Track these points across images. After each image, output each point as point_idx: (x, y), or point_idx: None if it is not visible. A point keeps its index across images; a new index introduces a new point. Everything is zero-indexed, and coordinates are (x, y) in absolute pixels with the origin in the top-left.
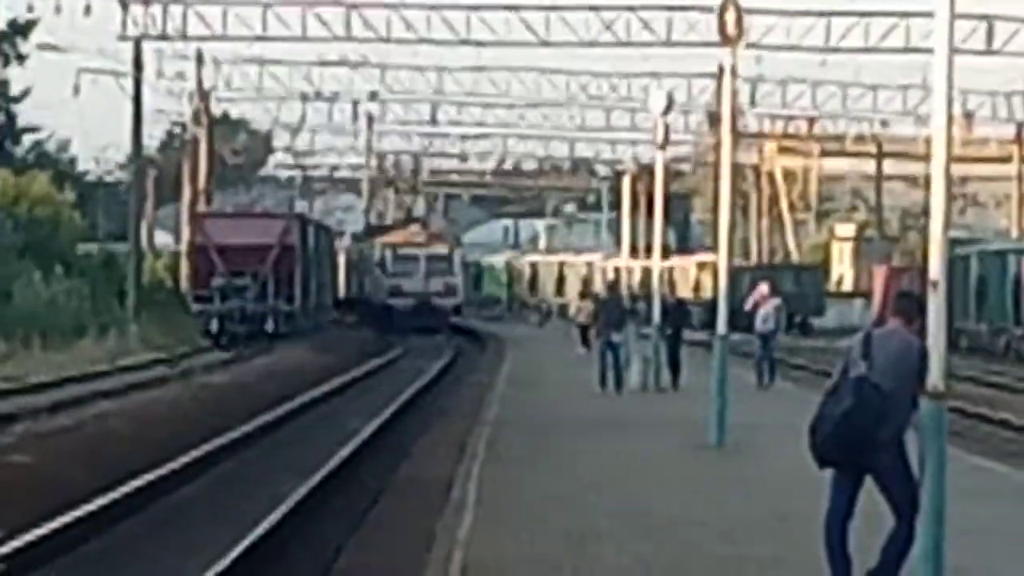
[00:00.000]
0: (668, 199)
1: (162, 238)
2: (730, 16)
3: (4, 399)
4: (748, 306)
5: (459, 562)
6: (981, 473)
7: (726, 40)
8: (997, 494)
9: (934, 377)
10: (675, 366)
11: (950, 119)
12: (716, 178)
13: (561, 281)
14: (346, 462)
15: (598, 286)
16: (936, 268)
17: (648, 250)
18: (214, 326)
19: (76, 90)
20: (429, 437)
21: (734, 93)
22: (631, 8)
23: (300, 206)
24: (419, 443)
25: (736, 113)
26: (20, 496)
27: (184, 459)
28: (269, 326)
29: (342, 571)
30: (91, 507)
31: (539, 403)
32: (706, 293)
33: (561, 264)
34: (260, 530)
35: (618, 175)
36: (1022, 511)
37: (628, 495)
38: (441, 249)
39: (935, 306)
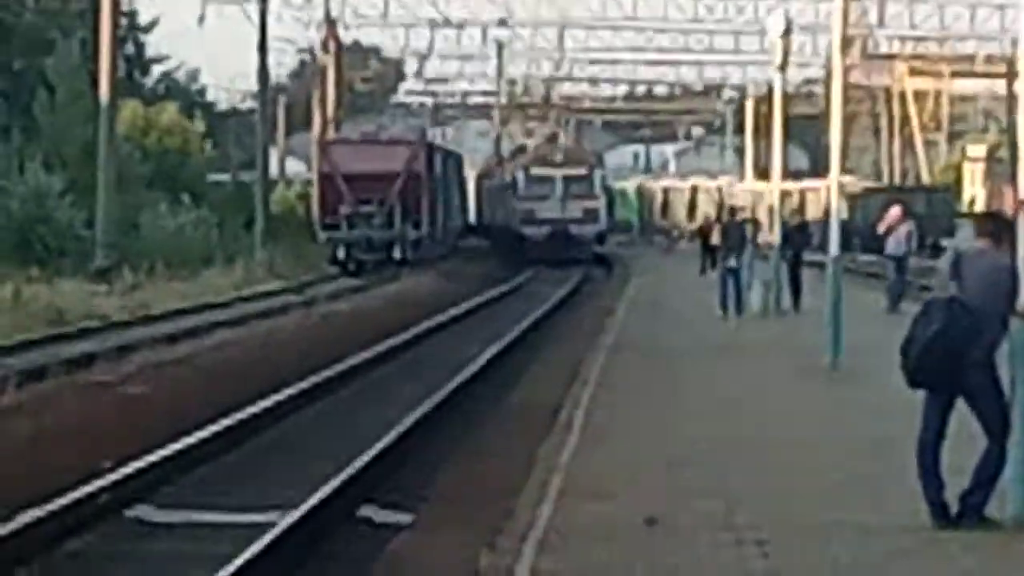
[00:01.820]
0: (798, 121)
1: (295, 166)
2: None
3: (126, 329)
4: (881, 229)
5: (556, 486)
6: None
7: None
8: None
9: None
10: (796, 289)
11: None
12: (848, 100)
13: (693, 205)
14: (460, 387)
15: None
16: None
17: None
18: (341, 254)
19: (201, 20)
20: (544, 362)
21: (850, 14)
22: None
23: (432, 133)
24: (534, 368)
25: (866, 35)
26: (135, 425)
27: (299, 386)
28: (396, 253)
29: (439, 494)
30: (200, 435)
31: (658, 328)
32: (842, 215)
33: (693, 188)
34: (367, 456)
35: (742, 99)
36: None
37: (735, 419)
38: (580, 170)
39: (1023, 226)
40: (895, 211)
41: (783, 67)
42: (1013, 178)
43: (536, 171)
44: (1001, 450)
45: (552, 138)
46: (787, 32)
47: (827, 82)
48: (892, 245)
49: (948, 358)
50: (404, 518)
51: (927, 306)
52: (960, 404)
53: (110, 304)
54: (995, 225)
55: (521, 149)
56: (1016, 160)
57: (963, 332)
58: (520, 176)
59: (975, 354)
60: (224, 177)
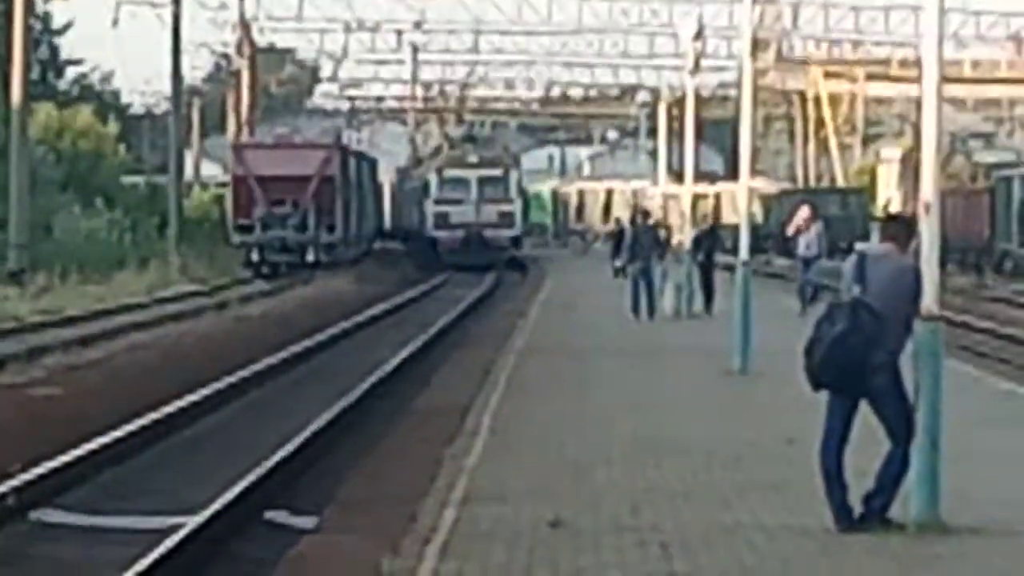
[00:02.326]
0: (713, 125)
1: (210, 169)
2: None
3: (38, 332)
4: (790, 231)
5: (461, 490)
6: (1008, 398)
7: None
8: (1018, 419)
9: (928, 300)
10: (708, 291)
11: (941, 40)
12: (763, 103)
13: (608, 208)
14: (368, 392)
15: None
16: (928, 190)
17: (695, 177)
18: (255, 256)
19: (115, 22)
20: (455, 365)
21: (765, 17)
22: None
23: (347, 136)
24: (443, 372)
25: (781, 38)
26: (43, 428)
27: (206, 391)
28: (310, 256)
29: (344, 500)
30: (107, 438)
31: (570, 330)
32: (755, 218)
33: (608, 191)
34: (272, 461)
35: (656, 102)
36: None
37: (644, 422)
38: (495, 171)
39: (928, 228)
40: (804, 212)
41: (695, 70)
42: (916, 180)
43: (450, 173)
44: (904, 453)
45: (468, 138)
46: (699, 35)
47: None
48: (803, 247)
49: (851, 361)
50: (308, 522)
51: (831, 308)
52: (863, 406)
53: (22, 307)
54: (898, 228)
55: (439, 150)
56: (920, 162)
57: (866, 335)
58: (433, 178)
59: (879, 357)
60: (138, 180)
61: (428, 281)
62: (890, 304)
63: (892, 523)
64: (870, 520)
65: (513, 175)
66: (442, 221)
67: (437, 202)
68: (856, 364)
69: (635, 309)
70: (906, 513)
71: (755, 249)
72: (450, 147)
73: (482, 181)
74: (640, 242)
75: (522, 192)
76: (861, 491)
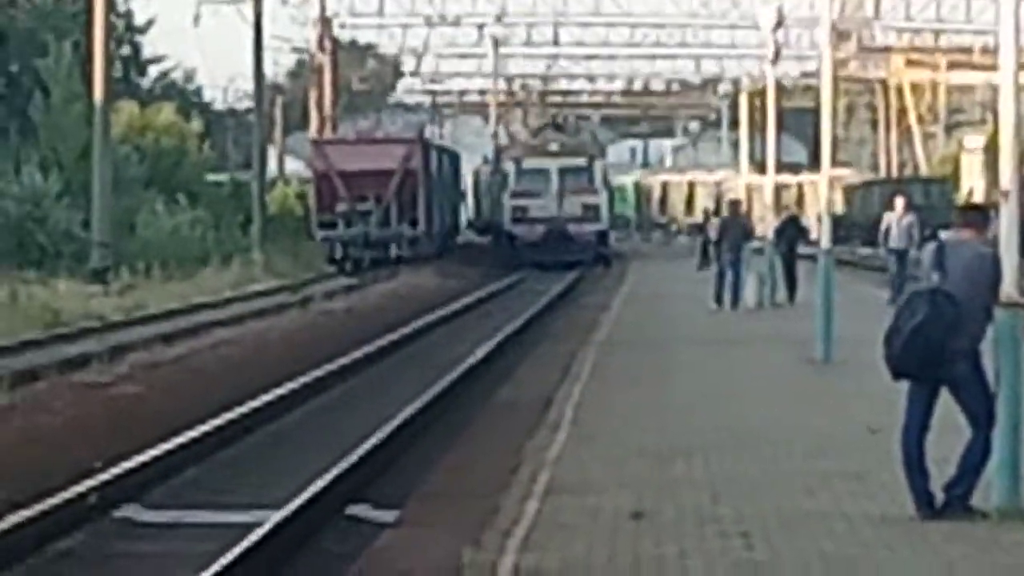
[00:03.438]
0: (796, 114)
1: (293, 165)
2: None
3: (121, 329)
4: (884, 226)
5: (543, 482)
6: None
7: None
8: None
9: (1007, 286)
10: (791, 281)
11: (1017, 27)
12: (846, 93)
13: (691, 200)
14: (453, 385)
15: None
16: (1007, 178)
17: (777, 167)
18: (338, 252)
19: (196, 20)
20: (537, 359)
21: (846, 7)
22: None
23: (430, 131)
24: (526, 365)
25: (862, 27)
26: (126, 426)
27: (290, 386)
28: (393, 251)
29: (426, 491)
30: (191, 435)
31: (652, 322)
32: (836, 208)
33: (691, 183)
34: (355, 456)
35: (737, 93)
36: None
37: (725, 412)
38: (579, 160)
39: (1007, 216)
40: (899, 202)
41: (775, 60)
42: (995, 168)
43: (529, 163)
44: (986, 440)
45: (553, 125)
46: (779, 25)
47: None
48: (894, 237)
49: (931, 349)
50: (389, 516)
51: (911, 297)
52: (944, 394)
53: (106, 304)
54: (974, 215)
55: (513, 141)
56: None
57: (946, 323)
58: (511, 169)
59: (959, 344)
60: (222, 177)
61: (511, 275)
62: (969, 291)
63: (974, 511)
64: (952, 508)
65: (598, 165)
66: (521, 215)
67: (515, 195)
68: (935, 352)
69: (719, 299)
70: (988, 500)
71: (841, 239)
72: (532, 136)
73: (564, 171)
74: (730, 233)
75: (607, 183)
76: (943, 479)
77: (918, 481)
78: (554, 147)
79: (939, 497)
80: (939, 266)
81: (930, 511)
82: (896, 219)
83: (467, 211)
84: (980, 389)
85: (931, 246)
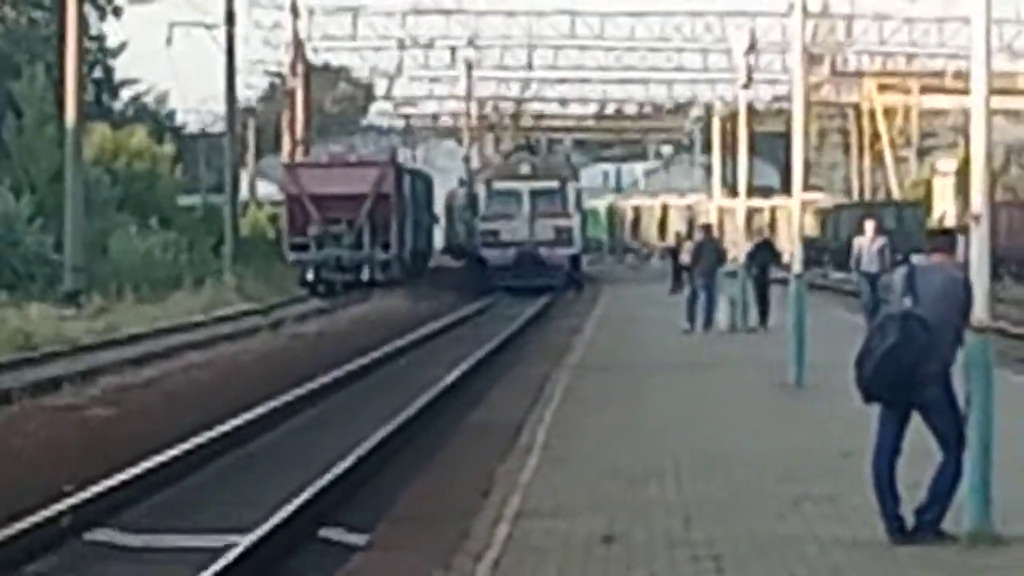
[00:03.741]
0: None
1: (266, 189)
2: None
3: (93, 352)
4: (855, 249)
5: (514, 506)
6: None
7: None
8: None
9: (978, 311)
10: (764, 305)
11: (988, 51)
12: (818, 117)
13: (664, 223)
14: (422, 410)
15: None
16: (978, 202)
17: (749, 191)
18: (310, 275)
19: (169, 42)
20: (509, 382)
21: (819, 31)
22: None
23: (403, 154)
24: (498, 388)
25: (835, 51)
26: (99, 448)
27: (261, 409)
28: (365, 274)
29: (397, 514)
30: (162, 458)
31: (625, 345)
32: (808, 232)
33: (664, 206)
34: (326, 479)
35: (709, 116)
36: None
37: (698, 435)
38: (551, 183)
39: (978, 240)
40: (869, 226)
41: (747, 84)
42: (967, 192)
43: (500, 185)
44: (956, 464)
45: (525, 147)
46: (751, 49)
47: None
48: (866, 261)
49: (902, 372)
50: (361, 539)
51: (883, 321)
52: (916, 418)
53: (78, 327)
54: (944, 240)
55: (486, 165)
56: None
57: (918, 347)
58: (482, 191)
59: (930, 368)
60: (194, 200)
61: (483, 299)
62: (941, 315)
63: (945, 535)
64: (923, 532)
65: (571, 187)
66: (492, 238)
67: (485, 218)
68: (907, 376)
69: (691, 319)
70: (959, 524)
71: (813, 262)
72: (504, 158)
73: (536, 194)
74: (703, 256)
75: (580, 207)
76: (914, 503)
77: (889, 505)
78: (525, 169)
79: (910, 521)
80: (910, 290)
81: (901, 535)
82: (867, 243)
83: (441, 234)
84: (951, 413)
85: (902, 270)
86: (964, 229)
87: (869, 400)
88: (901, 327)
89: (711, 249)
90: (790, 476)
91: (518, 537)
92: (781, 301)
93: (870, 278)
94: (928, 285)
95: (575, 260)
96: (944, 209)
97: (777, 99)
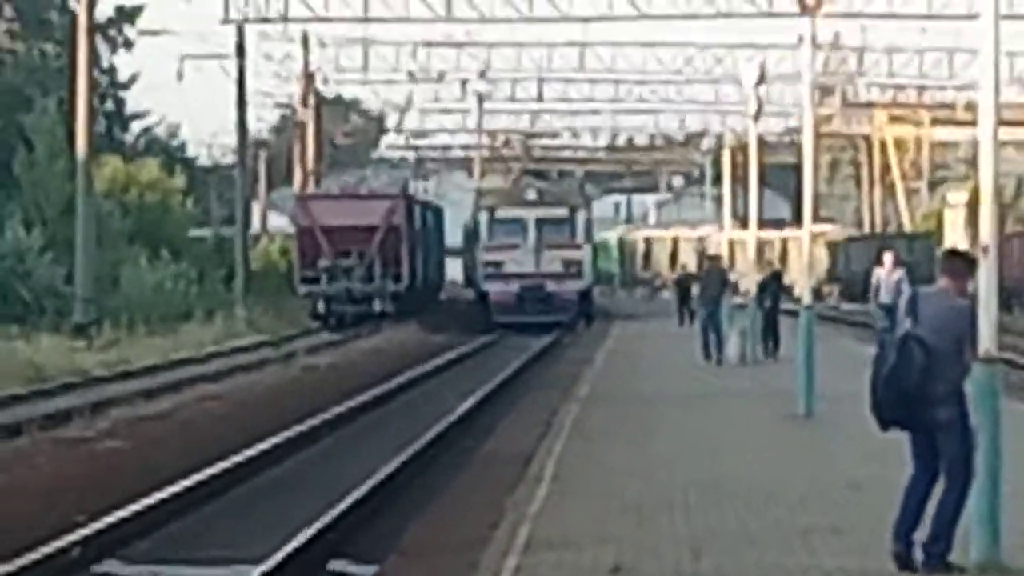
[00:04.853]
0: (779, 170)
1: (277, 221)
2: None
3: (104, 384)
4: (874, 280)
5: (523, 537)
6: None
7: (805, 8)
8: None
9: (985, 341)
10: (774, 337)
11: (997, 83)
12: (829, 148)
13: (675, 255)
14: (432, 441)
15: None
16: (987, 233)
17: (760, 223)
18: (321, 307)
19: (179, 75)
20: (519, 413)
21: (829, 63)
22: None
23: (414, 186)
24: (508, 419)
25: (846, 83)
26: (109, 481)
27: (273, 441)
28: (376, 306)
29: (406, 546)
30: (173, 490)
31: (635, 377)
32: (819, 264)
33: (675, 238)
34: (336, 511)
35: (720, 148)
36: None
37: (707, 466)
38: (559, 211)
39: (986, 271)
40: (888, 258)
41: (757, 116)
42: (975, 223)
43: (503, 212)
44: (959, 492)
45: (534, 172)
46: (761, 82)
47: None
48: (883, 294)
49: (905, 394)
50: (368, 571)
51: (883, 344)
52: None
53: (89, 360)
54: (955, 263)
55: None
56: (1000, 206)
57: (916, 367)
58: (484, 219)
59: (934, 389)
60: (205, 232)
61: (495, 331)
62: (942, 339)
63: (953, 567)
64: (932, 563)
65: (580, 216)
66: (494, 271)
67: (488, 248)
68: (911, 397)
69: (707, 354)
70: (967, 555)
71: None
72: (512, 184)
73: (542, 222)
74: (709, 286)
75: (591, 237)
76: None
77: (905, 532)
78: (531, 195)
79: (918, 555)
80: (912, 313)
81: (908, 569)
82: (885, 275)
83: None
84: (959, 436)
85: (907, 294)
86: (966, 254)
87: (884, 426)
88: (900, 349)
89: (717, 278)
90: (799, 508)
91: (526, 568)
92: (792, 332)
93: (888, 309)
94: (928, 309)
95: (585, 295)
96: (955, 241)
97: (788, 131)
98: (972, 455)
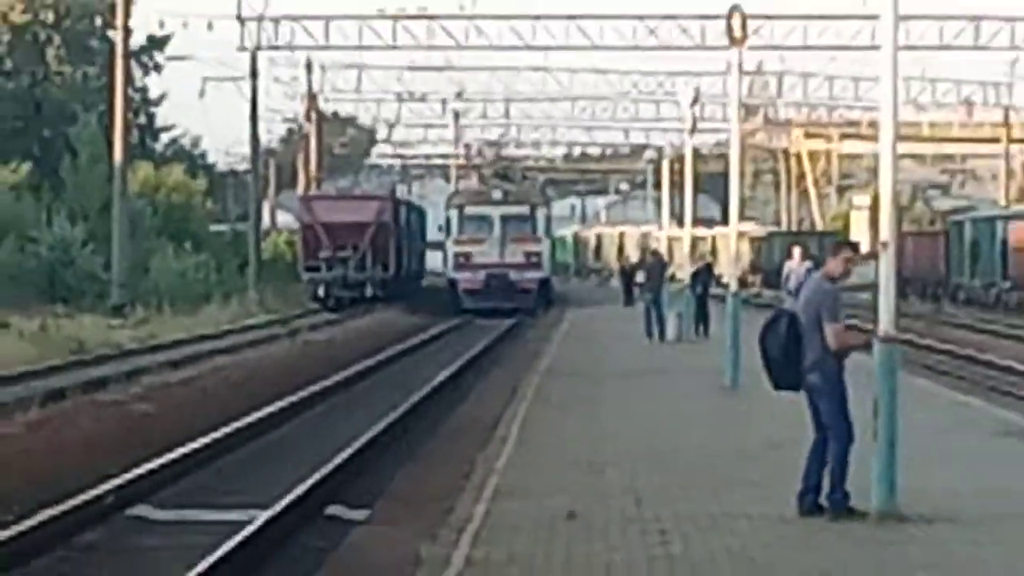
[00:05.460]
0: (712, 178)
1: (284, 218)
2: (735, 21)
3: (136, 356)
4: (785, 272)
5: (491, 488)
6: (961, 408)
7: (733, 41)
8: (973, 424)
9: (885, 324)
10: (705, 319)
11: (896, 104)
12: (753, 159)
13: (621, 249)
14: (415, 405)
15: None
16: (886, 231)
17: (694, 222)
18: (321, 292)
19: (202, 94)
20: (488, 383)
21: (754, 86)
22: (672, 17)
23: (400, 189)
24: (478, 388)
25: (768, 103)
26: (140, 437)
27: (280, 404)
28: (368, 291)
29: (393, 494)
30: (194, 445)
31: (587, 354)
32: (744, 257)
33: (621, 234)
34: (332, 464)
35: (660, 159)
36: (989, 440)
37: (648, 430)
38: (521, 208)
39: (885, 263)
40: (796, 252)
41: (692, 131)
42: (876, 223)
43: (472, 210)
44: (841, 446)
45: (500, 174)
46: (695, 101)
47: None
48: (793, 281)
49: (776, 361)
50: (361, 514)
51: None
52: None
53: (123, 335)
54: (839, 247)
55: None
56: (878, 208)
57: (781, 337)
58: (454, 215)
59: (808, 357)
60: (223, 227)
61: (464, 314)
62: (807, 314)
63: (855, 511)
64: (836, 511)
65: (541, 213)
66: (463, 261)
67: (458, 241)
68: (783, 364)
69: (649, 333)
70: (867, 503)
71: (746, 283)
72: (480, 184)
73: (506, 219)
74: (651, 275)
75: (550, 232)
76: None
77: (812, 484)
78: (497, 195)
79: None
80: (796, 294)
81: (811, 512)
82: (795, 266)
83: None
84: (830, 401)
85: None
86: (875, 255)
87: (777, 388)
88: (768, 322)
89: (659, 269)
90: (726, 464)
91: (495, 513)
92: (720, 315)
93: (796, 295)
94: (807, 289)
95: (544, 283)
96: (859, 238)
97: (719, 144)
98: (846, 412)
